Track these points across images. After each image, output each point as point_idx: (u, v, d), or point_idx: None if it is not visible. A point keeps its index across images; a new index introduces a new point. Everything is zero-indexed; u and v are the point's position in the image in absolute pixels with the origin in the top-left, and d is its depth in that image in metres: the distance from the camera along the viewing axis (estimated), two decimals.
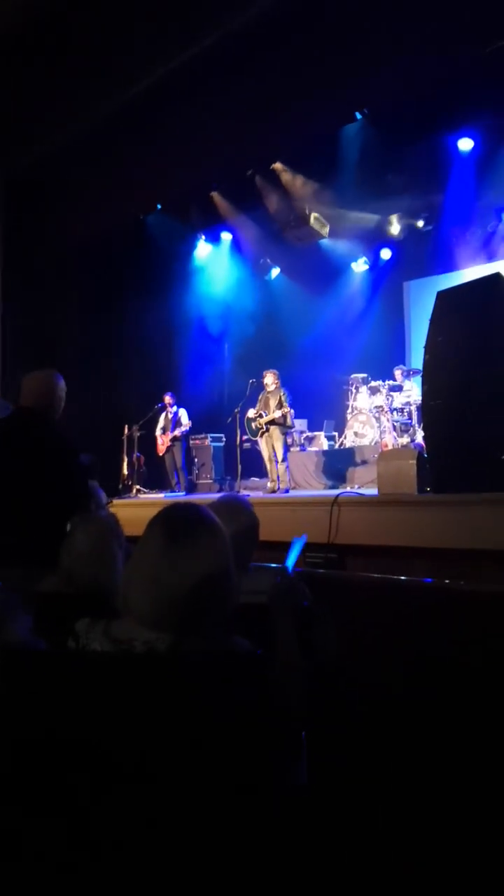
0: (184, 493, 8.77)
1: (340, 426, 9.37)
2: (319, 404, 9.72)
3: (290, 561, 1.70)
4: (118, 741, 1.25)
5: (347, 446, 8.74)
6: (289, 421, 7.56)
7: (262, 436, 7.64)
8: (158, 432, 9.02)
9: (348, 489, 7.05)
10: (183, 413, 8.96)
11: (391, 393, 8.64)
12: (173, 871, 1.21)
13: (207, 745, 1.22)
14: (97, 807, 1.24)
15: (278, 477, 7.51)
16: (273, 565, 2.23)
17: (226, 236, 10.42)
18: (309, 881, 1.34)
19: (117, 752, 1.25)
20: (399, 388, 8.69)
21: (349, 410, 9.08)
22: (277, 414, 7.45)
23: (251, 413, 7.75)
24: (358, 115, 7.21)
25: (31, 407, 2.92)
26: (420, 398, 6.95)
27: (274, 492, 7.41)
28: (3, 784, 1.28)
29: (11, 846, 1.25)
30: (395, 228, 9.71)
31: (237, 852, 1.21)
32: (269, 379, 7.71)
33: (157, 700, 1.25)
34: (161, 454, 9.06)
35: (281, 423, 7.51)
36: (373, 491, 5.66)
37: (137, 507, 7.14)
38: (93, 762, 1.25)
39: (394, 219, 9.57)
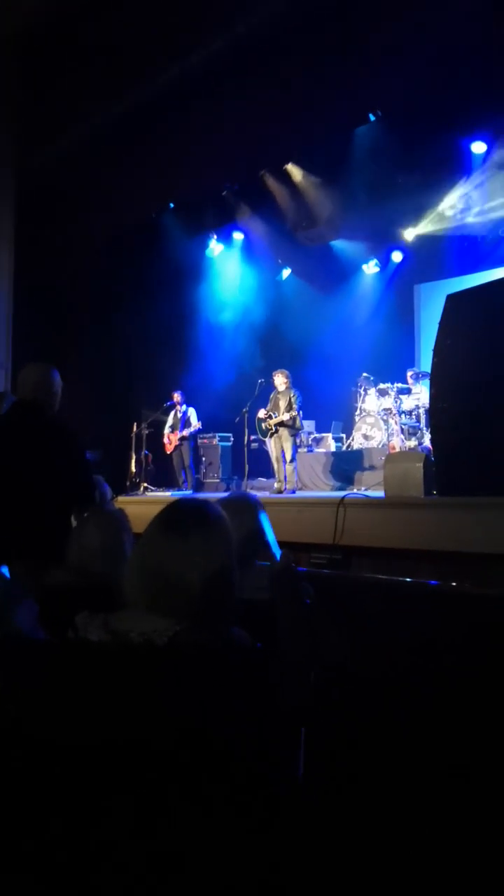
0: (191, 491, 8.79)
1: (348, 428, 9.36)
2: (328, 405, 9.71)
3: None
4: (114, 732, 1.26)
5: (355, 448, 8.73)
6: (297, 423, 7.56)
7: (271, 436, 7.65)
8: (167, 430, 9.04)
9: (355, 491, 7.04)
10: (192, 413, 8.97)
11: (400, 395, 8.63)
12: (170, 867, 1.22)
13: (202, 737, 1.23)
14: (92, 802, 1.25)
15: (285, 477, 7.51)
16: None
17: (238, 236, 10.44)
18: (306, 875, 1.35)
19: (112, 743, 1.25)
20: (408, 391, 8.68)
21: (357, 412, 9.07)
22: (286, 416, 7.45)
23: (261, 413, 7.76)
24: (371, 117, 7.22)
25: (31, 400, 2.94)
26: (428, 401, 6.94)
27: (280, 492, 7.41)
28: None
29: (6, 841, 1.26)
30: (406, 231, 9.70)
31: (233, 845, 1.22)
32: (280, 379, 7.70)
33: (153, 691, 1.26)
34: (169, 452, 9.08)
35: (290, 425, 7.51)
36: (380, 493, 5.66)
37: (145, 505, 7.17)
38: (88, 754, 1.25)
39: (405, 221, 9.55)
